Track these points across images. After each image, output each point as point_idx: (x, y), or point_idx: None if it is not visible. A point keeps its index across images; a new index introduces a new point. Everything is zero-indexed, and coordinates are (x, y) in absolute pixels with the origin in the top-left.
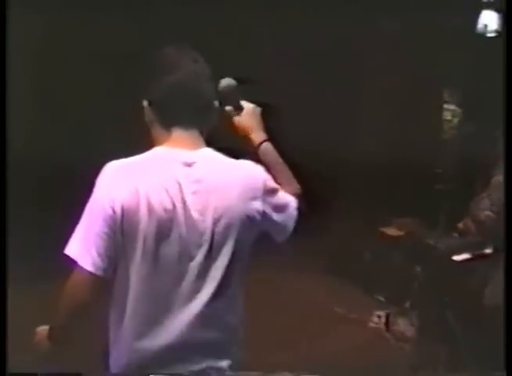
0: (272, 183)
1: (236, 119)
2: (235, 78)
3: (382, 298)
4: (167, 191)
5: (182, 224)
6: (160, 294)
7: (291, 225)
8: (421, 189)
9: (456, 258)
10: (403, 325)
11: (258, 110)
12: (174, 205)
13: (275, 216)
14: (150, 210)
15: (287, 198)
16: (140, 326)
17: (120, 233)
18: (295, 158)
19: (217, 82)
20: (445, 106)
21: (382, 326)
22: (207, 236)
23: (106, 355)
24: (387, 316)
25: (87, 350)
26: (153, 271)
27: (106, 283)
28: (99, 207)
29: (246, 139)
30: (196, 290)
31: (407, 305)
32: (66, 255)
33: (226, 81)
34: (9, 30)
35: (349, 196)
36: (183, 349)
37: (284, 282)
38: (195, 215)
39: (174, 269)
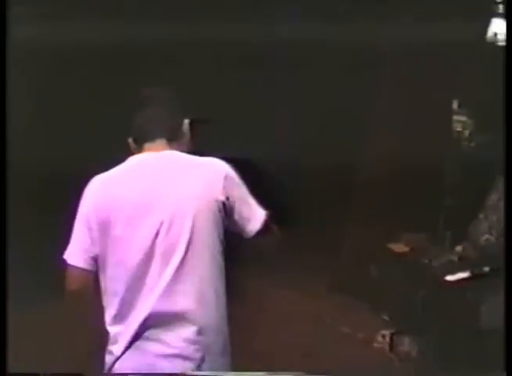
0: (233, 176)
1: None
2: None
3: (387, 317)
4: (136, 195)
5: (141, 216)
6: (130, 283)
7: (257, 220)
8: (430, 203)
9: (450, 278)
10: (408, 345)
11: None
12: (139, 209)
13: (238, 207)
14: (119, 208)
15: (252, 200)
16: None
17: (96, 231)
18: (302, 171)
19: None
20: (455, 117)
21: (386, 346)
22: (165, 225)
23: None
24: (392, 336)
25: (87, 350)
26: (123, 262)
27: (93, 276)
28: (82, 214)
29: None
30: (159, 274)
31: (411, 324)
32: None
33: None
34: (8, 30)
35: (356, 210)
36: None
37: (287, 299)
38: (153, 204)
39: (141, 256)
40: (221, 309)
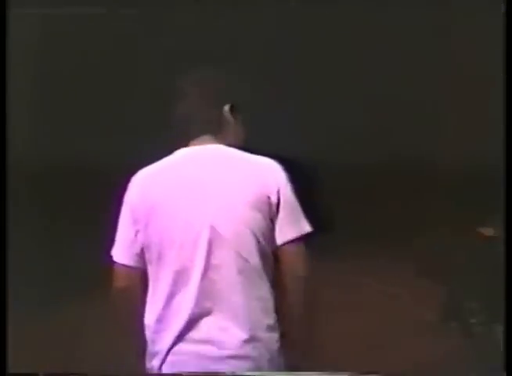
0: (286, 180)
1: None
2: None
3: (474, 305)
4: (180, 190)
5: (184, 218)
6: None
7: (293, 231)
8: None
9: None
10: (499, 333)
11: None
12: (186, 206)
13: (282, 211)
14: (167, 211)
15: (299, 209)
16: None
17: (143, 224)
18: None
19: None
20: None
21: (476, 334)
22: (205, 234)
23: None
24: (482, 324)
25: (91, 351)
26: (167, 256)
27: (141, 274)
28: (125, 209)
29: None
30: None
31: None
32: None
33: None
34: (8, 30)
35: (442, 194)
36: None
37: (369, 286)
38: (194, 207)
39: (186, 251)
40: (272, 303)
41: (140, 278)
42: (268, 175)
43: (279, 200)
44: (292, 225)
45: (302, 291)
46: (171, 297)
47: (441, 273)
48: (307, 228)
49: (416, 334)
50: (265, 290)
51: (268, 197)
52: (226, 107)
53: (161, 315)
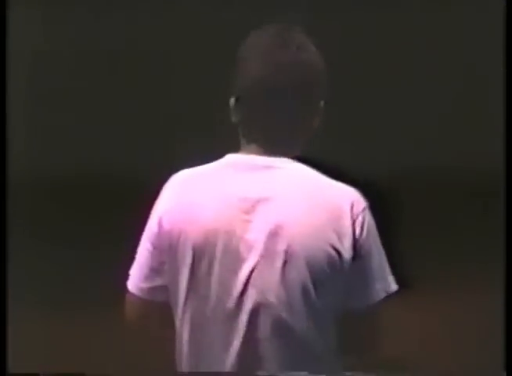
0: (368, 221)
1: None
2: None
3: None
4: (223, 199)
5: (238, 237)
6: (211, 326)
7: (377, 292)
8: None
9: None
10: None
11: None
12: (231, 224)
13: (360, 268)
14: (203, 227)
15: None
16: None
17: (168, 251)
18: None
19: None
20: None
21: None
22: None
23: None
24: None
25: (89, 351)
26: (203, 300)
27: (159, 307)
28: (150, 222)
29: None
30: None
31: None
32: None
33: None
34: (8, 30)
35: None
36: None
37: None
38: (256, 229)
39: (226, 301)
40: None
41: (160, 310)
42: (339, 208)
43: (356, 245)
44: (377, 284)
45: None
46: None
47: None
48: (391, 285)
49: None
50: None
51: (334, 243)
52: (322, 103)
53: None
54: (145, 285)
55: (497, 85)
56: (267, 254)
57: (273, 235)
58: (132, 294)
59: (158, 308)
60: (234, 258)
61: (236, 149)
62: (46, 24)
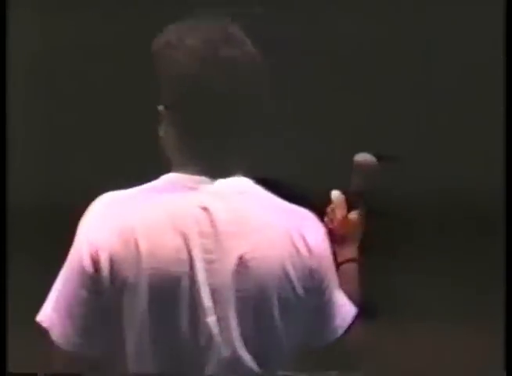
0: (328, 262)
1: (344, 213)
2: (376, 155)
3: None
4: (182, 232)
5: (201, 281)
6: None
7: (335, 330)
8: None
9: None
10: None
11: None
12: (190, 254)
13: (316, 305)
14: (156, 260)
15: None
16: None
17: (110, 294)
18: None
19: (267, 72)
20: None
21: None
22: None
23: None
24: None
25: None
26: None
27: (92, 361)
28: (77, 258)
29: (334, 241)
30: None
31: None
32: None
33: (364, 156)
34: (8, 30)
35: None
36: None
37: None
38: (211, 267)
39: (187, 336)
40: None
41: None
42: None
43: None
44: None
45: None
46: None
47: None
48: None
49: None
50: None
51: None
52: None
53: None
54: (80, 340)
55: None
56: (227, 293)
57: (237, 274)
58: (61, 350)
59: (96, 362)
60: (197, 304)
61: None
62: (46, 24)
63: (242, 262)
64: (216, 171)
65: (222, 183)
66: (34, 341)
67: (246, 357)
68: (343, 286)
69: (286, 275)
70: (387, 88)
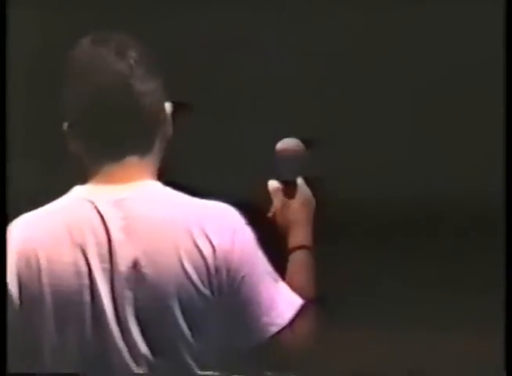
0: (245, 257)
1: (284, 202)
2: (302, 139)
3: None
4: (73, 246)
5: (95, 289)
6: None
7: (263, 328)
8: None
9: None
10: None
11: (314, 201)
12: (88, 264)
13: (233, 304)
14: (51, 275)
15: (276, 286)
16: None
17: (20, 313)
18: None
19: (161, 79)
20: None
21: None
22: (128, 305)
23: None
24: None
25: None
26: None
27: None
28: None
29: (281, 231)
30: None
31: None
32: None
33: (287, 143)
34: (9, 30)
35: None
36: None
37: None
38: (109, 276)
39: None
40: None
41: None
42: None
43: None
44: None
45: None
46: None
47: None
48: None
49: None
50: None
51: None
52: (168, 106)
53: None
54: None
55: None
56: (127, 303)
57: (133, 282)
58: None
59: None
60: (100, 316)
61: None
62: (46, 24)
63: (136, 269)
64: (118, 179)
65: (123, 190)
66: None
67: (156, 366)
68: (293, 276)
69: (187, 277)
70: (383, 87)
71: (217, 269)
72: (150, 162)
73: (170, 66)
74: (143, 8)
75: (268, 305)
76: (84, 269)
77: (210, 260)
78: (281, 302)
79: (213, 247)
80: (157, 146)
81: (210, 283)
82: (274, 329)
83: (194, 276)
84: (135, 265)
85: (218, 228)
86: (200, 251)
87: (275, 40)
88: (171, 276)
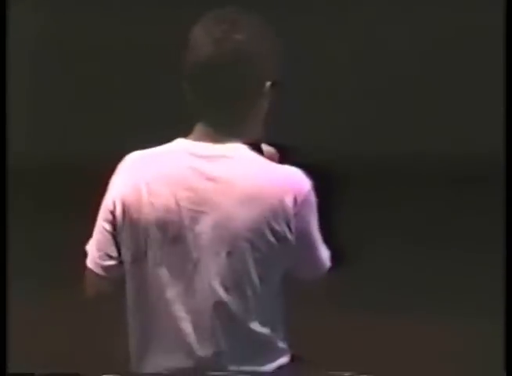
0: (310, 204)
1: None
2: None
3: None
4: (173, 187)
5: (186, 227)
6: (167, 303)
7: (321, 261)
8: None
9: None
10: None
11: None
12: (178, 205)
13: (299, 243)
14: (153, 207)
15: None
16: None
17: (123, 231)
18: None
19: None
20: None
21: None
22: (214, 247)
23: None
24: None
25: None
26: (156, 277)
27: (114, 284)
28: (106, 201)
29: None
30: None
31: None
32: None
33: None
34: (9, 30)
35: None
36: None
37: None
38: (203, 219)
39: (180, 277)
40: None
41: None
42: (292, 188)
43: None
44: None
45: None
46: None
47: None
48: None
49: None
50: None
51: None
52: (268, 84)
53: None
54: (101, 262)
55: (497, 82)
56: (212, 244)
57: (219, 226)
58: (90, 271)
59: (114, 284)
60: (182, 249)
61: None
62: (46, 24)
63: (221, 216)
64: (214, 138)
65: (215, 148)
66: (33, 341)
67: (230, 301)
68: None
69: (269, 227)
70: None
71: (297, 217)
72: (242, 129)
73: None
74: (143, 6)
75: (322, 248)
76: (174, 207)
77: (293, 210)
78: (325, 250)
79: (295, 201)
80: (252, 118)
81: (292, 227)
82: (329, 264)
83: (281, 226)
84: (220, 213)
85: (298, 187)
86: (287, 205)
87: None
88: (254, 225)
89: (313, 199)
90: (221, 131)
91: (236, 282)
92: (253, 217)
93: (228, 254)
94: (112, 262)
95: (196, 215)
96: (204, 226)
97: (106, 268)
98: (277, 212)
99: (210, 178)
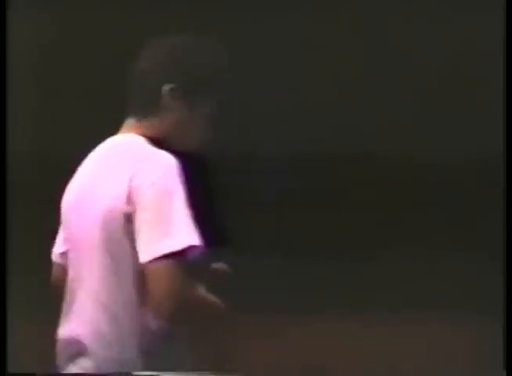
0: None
1: None
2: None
3: None
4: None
5: (78, 213)
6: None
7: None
8: None
9: None
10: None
11: None
12: (80, 194)
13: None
14: (71, 199)
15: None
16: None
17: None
18: None
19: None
20: None
21: None
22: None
23: None
24: None
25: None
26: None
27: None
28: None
29: None
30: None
31: None
32: None
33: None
34: (9, 30)
35: None
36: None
37: None
38: (83, 203)
39: (78, 258)
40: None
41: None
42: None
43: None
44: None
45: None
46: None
47: None
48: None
49: None
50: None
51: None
52: (166, 88)
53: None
54: (54, 250)
55: (497, 84)
56: (87, 236)
57: (90, 218)
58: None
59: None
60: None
61: None
62: (46, 24)
63: (82, 196)
64: (120, 133)
65: (112, 140)
66: (33, 342)
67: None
68: None
69: (113, 206)
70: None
71: (141, 196)
72: (147, 126)
73: None
74: (142, 6)
75: (159, 233)
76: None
77: (129, 193)
78: (170, 238)
79: (133, 186)
80: (158, 119)
81: (134, 206)
82: (165, 250)
83: (127, 207)
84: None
85: (152, 169)
86: (127, 187)
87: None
88: (110, 213)
89: (166, 181)
90: (124, 127)
91: (96, 270)
92: (103, 200)
93: (92, 243)
94: (60, 250)
95: (79, 212)
96: (87, 222)
97: (56, 255)
98: (125, 191)
99: (92, 168)
